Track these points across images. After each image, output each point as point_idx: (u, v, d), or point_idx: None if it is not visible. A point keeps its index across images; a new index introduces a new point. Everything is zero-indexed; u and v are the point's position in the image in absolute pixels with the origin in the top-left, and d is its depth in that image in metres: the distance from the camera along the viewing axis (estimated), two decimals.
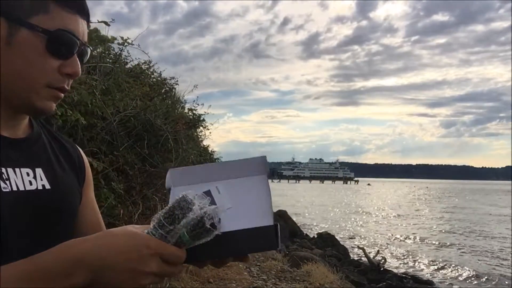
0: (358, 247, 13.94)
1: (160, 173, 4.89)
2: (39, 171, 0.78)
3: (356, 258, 12.70)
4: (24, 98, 0.73)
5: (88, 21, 0.80)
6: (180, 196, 0.65)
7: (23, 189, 0.73)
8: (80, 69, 0.77)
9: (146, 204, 4.72)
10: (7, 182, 0.71)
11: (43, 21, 0.70)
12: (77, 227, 0.86)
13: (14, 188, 0.72)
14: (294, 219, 17.43)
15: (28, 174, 0.76)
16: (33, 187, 0.76)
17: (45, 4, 0.71)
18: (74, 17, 0.75)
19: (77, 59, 0.76)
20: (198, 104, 7.38)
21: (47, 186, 0.78)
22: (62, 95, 0.77)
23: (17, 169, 0.74)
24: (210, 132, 9.24)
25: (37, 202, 0.75)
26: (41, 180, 0.78)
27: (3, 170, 0.71)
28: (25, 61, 0.71)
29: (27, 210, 0.73)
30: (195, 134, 8.70)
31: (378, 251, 12.92)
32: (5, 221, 0.68)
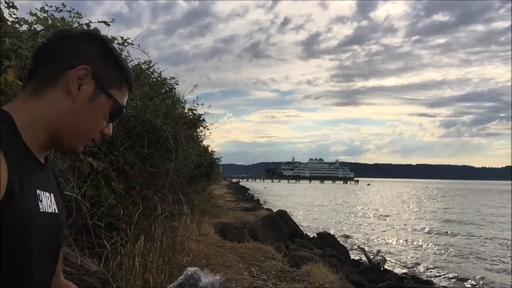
0: (358, 247, 13.94)
1: (160, 173, 4.89)
2: (52, 195, 0.91)
3: (356, 258, 12.70)
4: (72, 141, 0.92)
5: None
6: (189, 273, 0.78)
7: (46, 211, 0.85)
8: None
9: (146, 204, 4.72)
10: (41, 203, 0.83)
11: (116, 94, 0.93)
12: None
13: (46, 210, 0.85)
14: (294, 219, 17.42)
15: (48, 198, 0.88)
16: (51, 209, 0.87)
17: (121, 83, 0.95)
18: (126, 95, 0.98)
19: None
20: (198, 104, 7.39)
21: (56, 210, 0.90)
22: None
23: (45, 192, 0.86)
24: (210, 132, 9.25)
25: (52, 223, 0.87)
26: (53, 204, 0.90)
27: (39, 192, 0.83)
28: (93, 118, 0.91)
29: (47, 229, 0.85)
30: (195, 134, 8.70)
31: (378, 251, 12.93)
32: (39, 238, 0.81)
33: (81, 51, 0.89)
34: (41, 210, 0.82)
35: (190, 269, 0.78)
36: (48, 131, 0.86)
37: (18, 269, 0.76)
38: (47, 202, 0.86)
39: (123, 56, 0.98)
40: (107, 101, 0.91)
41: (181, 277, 0.78)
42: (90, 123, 0.90)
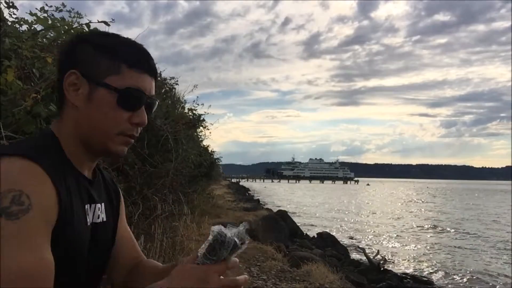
0: (358, 247, 13.95)
1: (160, 173, 4.88)
2: (102, 205, 0.98)
3: (356, 258, 12.70)
4: (101, 144, 0.89)
5: (156, 78, 0.95)
6: (215, 233, 0.83)
7: (93, 221, 0.93)
8: (146, 119, 0.92)
9: (146, 204, 4.72)
10: (88, 216, 0.90)
11: (115, 80, 0.86)
12: (116, 249, 1.06)
13: (94, 221, 0.93)
14: (294, 219, 17.42)
15: (99, 209, 0.95)
16: (100, 220, 0.95)
17: (118, 67, 0.86)
18: (143, 76, 0.89)
19: (144, 110, 0.91)
20: (198, 104, 7.40)
21: (105, 219, 0.98)
22: (132, 140, 0.94)
23: (93, 205, 0.93)
24: (210, 132, 9.27)
25: (99, 232, 0.94)
26: (102, 213, 0.97)
27: (87, 206, 0.90)
28: (101, 114, 0.86)
29: (92, 238, 0.91)
30: (195, 134, 8.70)
31: (378, 251, 12.91)
32: (85, 248, 0.87)
33: (69, 58, 0.88)
34: (89, 224, 0.89)
35: (215, 228, 0.83)
36: (79, 144, 0.89)
37: (66, 273, 0.81)
38: (97, 213, 0.94)
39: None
40: (107, 91, 0.85)
41: (209, 238, 0.83)
42: (102, 120, 0.86)
